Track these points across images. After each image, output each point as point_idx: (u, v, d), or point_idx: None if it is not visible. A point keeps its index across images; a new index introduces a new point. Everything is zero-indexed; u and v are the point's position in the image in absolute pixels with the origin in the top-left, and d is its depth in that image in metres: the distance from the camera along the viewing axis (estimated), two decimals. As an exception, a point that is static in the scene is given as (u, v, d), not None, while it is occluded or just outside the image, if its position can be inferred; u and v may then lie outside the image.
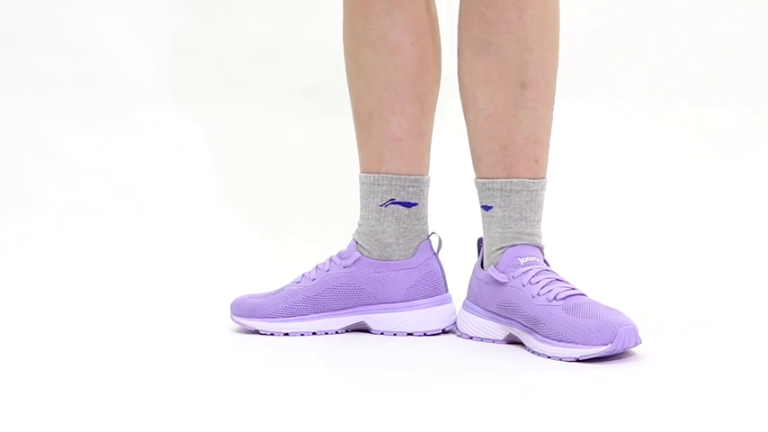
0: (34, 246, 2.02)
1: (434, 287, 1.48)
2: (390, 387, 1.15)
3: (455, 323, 1.48)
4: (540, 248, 1.43)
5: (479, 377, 1.21)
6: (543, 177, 1.44)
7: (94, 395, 1.13)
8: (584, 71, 2.24)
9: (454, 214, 2.08)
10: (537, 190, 1.42)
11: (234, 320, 1.50)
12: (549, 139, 1.46)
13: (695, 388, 1.15)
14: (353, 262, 1.48)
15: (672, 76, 2.25)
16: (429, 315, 1.46)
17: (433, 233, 1.52)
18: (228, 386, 1.17)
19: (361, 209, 1.50)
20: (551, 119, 1.47)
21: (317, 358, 1.29)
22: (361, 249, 1.49)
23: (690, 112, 2.24)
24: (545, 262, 1.42)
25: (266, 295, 1.50)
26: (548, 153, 1.45)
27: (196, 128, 2.20)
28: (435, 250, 1.50)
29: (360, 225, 1.51)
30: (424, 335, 1.46)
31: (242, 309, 1.49)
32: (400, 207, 1.48)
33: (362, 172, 1.50)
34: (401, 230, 1.48)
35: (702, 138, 2.23)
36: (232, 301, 1.53)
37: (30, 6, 2.18)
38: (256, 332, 1.48)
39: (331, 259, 1.51)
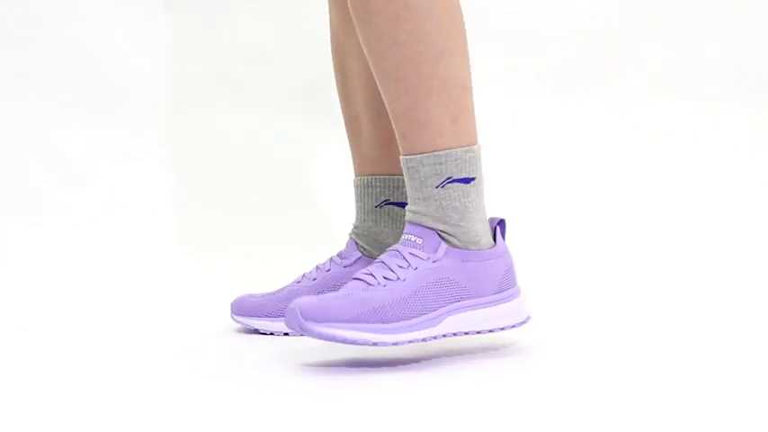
0: (34, 246, 2.02)
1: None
2: (390, 387, 1.15)
3: None
4: (423, 225, 1.27)
5: (483, 376, 1.21)
6: (414, 154, 1.27)
7: (94, 395, 1.13)
8: (584, 71, 2.24)
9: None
10: (412, 167, 1.27)
11: (234, 319, 1.50)
12: (424, 113, 1.26)
13: (694, 388, 1.15)
14: (354, 261, 1.48)
15: (672, 76, 2.25)
16: None
17: None
18: (228, 386, 1.17)
19: (357, 211, 1.51)
20: (419, 91, 1.25)
21: (317, 357, 1.28)
22: (362, 249, 1.49)
23: (689, 112, 2.24)
24: (435, 239, 1.27)
25: (266, 295, 1.50)
26: (424, 127, 1.26)
27: (196, 128, 2.20)
28: None
29: (356, 227, 1.51)
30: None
31: (242, 308, 1.49)
32: (395, 207, 1.48)
33: (356, 176, 1.52)
34: (399, 230, 1.48)
35: (702, 138, 2.23)
36: (232, 300, 1.53)
37: (30, 6, 2.18)
38: (256, 331, 1.48)
39: (331, 259, 1.51)
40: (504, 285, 1.31)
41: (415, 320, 1.22)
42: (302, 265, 1.65)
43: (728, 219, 2.12)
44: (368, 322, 1.20)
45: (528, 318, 1.34)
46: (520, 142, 2.23)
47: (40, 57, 2.17)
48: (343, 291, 1.23)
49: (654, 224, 2.12)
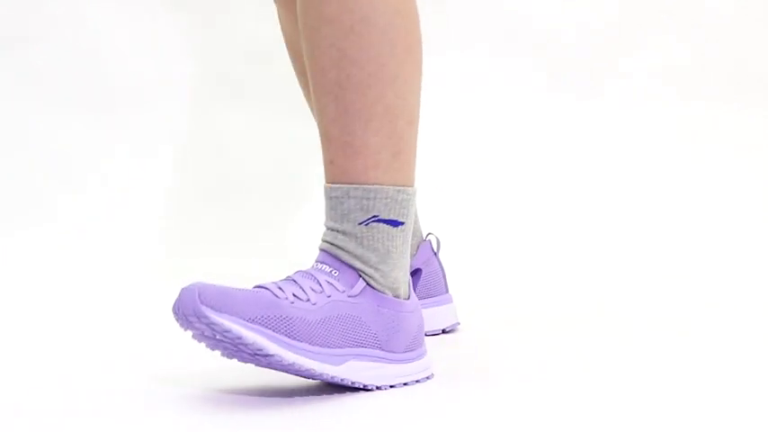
0: (34, 246, 2.02)
1: (435, 287, 1.47)
2: (391, 389, 1.15)
3: (457, 324, 1.48)
4: (339, 259, 1.13)
5: (480, 379, 1.21)
6: (341, 183, 1.13)
7: (94, 394, 1.13)
8: (584, 71, 2.24)
9: (452, 215, 2.08)
10: (336, 197, 1.13)
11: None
12: (362, 140, 1.12)
13: (694, 388, 1.15)
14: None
15: (672, 76, 2.25)
16: (431, 315, 1.45)
17: (430, 234, 1.51)
18: (228, 386, 1.17)
19: None
20: (360, 115, 1.12)
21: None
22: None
23: (689, 112, 2.24)
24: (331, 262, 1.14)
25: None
26: (358, 156, 1.12)
27: (196, 128, 2.20)
28: (435, 250, 1.50)
29: None
30: (426, 335, 1.45)
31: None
32: None
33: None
34: None
35: (702, 138, 2.23)
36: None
37: (30, 6, 2.18)
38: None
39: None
40: (414, 345, 1.15)
41: (318, 349, 1.07)
42: (302, 264, 1.65)
43: (728, 219, 2.12)
44: (272, 329, 1.04)
45: (432, 375, 1.17)
46: (520, 142, 2.23)
47: (40, 57, 2.17)
48: (251, 289, 1.08)
49: (654, 224, 2.12)
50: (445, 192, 2.15)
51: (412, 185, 1.16)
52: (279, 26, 2.24)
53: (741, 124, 2.23)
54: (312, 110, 1.42)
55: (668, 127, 2.23)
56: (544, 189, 2.19)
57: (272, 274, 1.74)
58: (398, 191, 1.13)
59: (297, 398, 1.09)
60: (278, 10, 1.50)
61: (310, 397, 1.09)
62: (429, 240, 1.50)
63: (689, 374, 1.22)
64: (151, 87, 2.20)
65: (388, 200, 1.12)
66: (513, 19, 2.25)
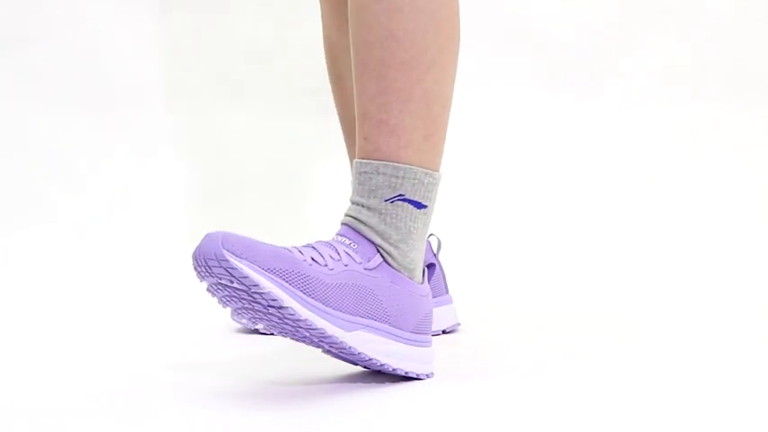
0: (34, 246, 2.02)
1: (435, 288, 1.47)
2: (391, 388, 1.15)
3: (458, 324, 1.48)
4: (360, 234, 1.16)
5: (480, 379, 1.21)
6: (372, 159, 1.16)
7: (94, 394, 1.13)
8: (584, 71, 2.24)
9: (452, 215, 2.08)
10: (366, 172, 1.16)
11: (234, 319, 1.50)
12: (397, 119, 1.15)
13: (694, 389, 1.15)
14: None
15: (672, 77, 2.25)
16: None
17: (431, 234, 1.51)
18: (227, 386, 1.17)
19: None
20: (399, 95, 1.15)
21: (315, 359, 1.28)
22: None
23: (689, 112, 2.24)
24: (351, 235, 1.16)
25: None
26: (392, 134, 1.15)
27: (196, 128, 2.20)
28: (435, 251, 1.50)
29: None
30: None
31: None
32: None
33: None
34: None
35: (702, 138, 2.23)
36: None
37: (30, 6, 2.18)
38: (256, 331, 1.48)
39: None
40: (422, 329, 1.17)
41: (331, 310, 1.07)
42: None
43: (728, 219, 2.12)
44: (289, 282, 1.05)
45: (432, 374, 1.18)
46: (520, 142, 2.23)
47: (40, 57, 2.17)
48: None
49: (654, 224, 2.12)
50: (445, 191, 2.15)
51: (438, 170, 1.19)
52: (279, 26, 2.23)
53: (741, 124, 2.23)
54: (337, 105, 1.46)
55: (668, 127, 2.23)
56: (544, 189, 2.19)
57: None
58: (426, 173, 1.16)
59: (298, 397, 1.09)
60: (322, 10, 1.51)
61: (311, 397, 1.09)
62: (429, 241, 1.51)
63: (689, 374, 1.22)
64: (151, 87, 2.20)
65: (416, 181, 1.15)
66: (513, 19, 2.25)
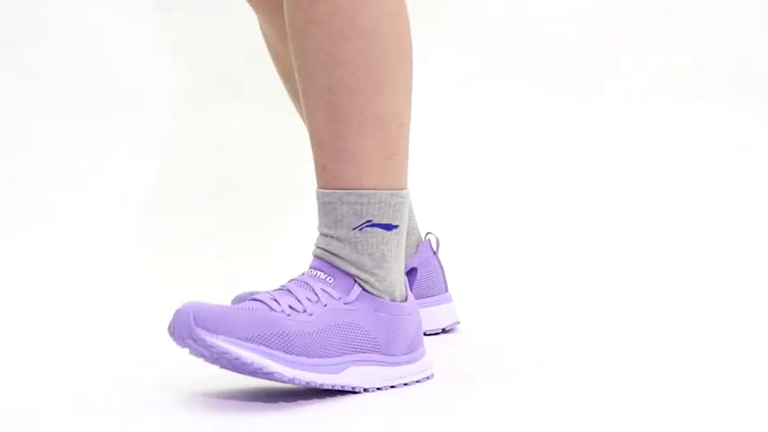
0: (34, 245, 2.02)
1: (435, 286, 1.47)
2: (390, 388, 1.15)
3: (457, 322, 1.48)
4: (333, 265, 1.14)
5: (480, 379, 1.21)
6: (333, 188, 1.12)
7: (94, 395, 1.13)
8: (584, 71, 2.24)
9: (452, 214, 2.08)
10: (329, 203, 1.13)
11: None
12: (354, 145, 1.12)
13: (694, 389, 1.15)
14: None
15: (672, 76, 2.25)
16: (430, 314, 1.45)
17: (429, 233, 1.51)
18: (227, 386, 1.17)
19: None
20: (351, 121, 1.11)
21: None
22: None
23: (689, 112, 2.24)
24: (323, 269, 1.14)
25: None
26: (351, 161, 1.12)
27: (196, 128, 2.20)
28: (435, 249, 1.50)
29: None
30: (425, 334, 1.45)
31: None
32: None
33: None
34: None
35: (702, 138, 2.23)
36: (232, 299, 1.53)
37: (30, 6, 2.18)
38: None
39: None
40: (414, 346, 1.16)
41: (317, 360, 1.07)
42: (301, 264, 1.65)
43: (728, 219, 2.12)
44: (269, 346, 1.04)
45: (432, 375, 1.18)
46: (520, 142, 2.23)
47: (40, 57, 2.17)
48: (245, 305, 1.07)
49: (653, 224, 2.12)
50: (445, 191, 2.15)
51: (405, 188, 1.15)
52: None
53: (741, 124, 2.23)
54: (301, 114, 1.41)
55: (668, 127, 2.23)
56: (544, 189, 2.19)
57: (271, 273, 1.74)
58: (392, 194, 1.12)
59: (299, 399, 1.09)
60: (262, 27, 1.47)
61: (311, 398, 1.09)
62: (428, 239, 1.51)
63: (689, 375, 1.22)
64: (151, 87, 2.20)
65: (382, 204, 1.12)
66: (513, 19, 2.25)
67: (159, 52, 2.21)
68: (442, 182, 2.16)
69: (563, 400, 1.09)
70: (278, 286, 1.12)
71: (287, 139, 2.20)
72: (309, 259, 1.64)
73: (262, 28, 1.48)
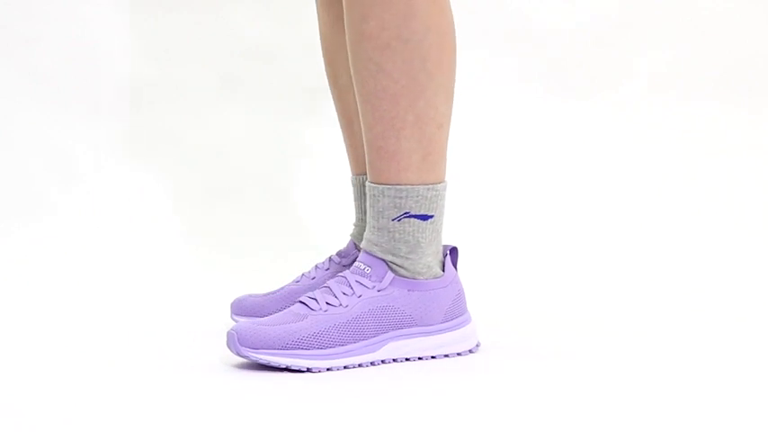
0: (34, 245, 2.02)
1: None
2: (389, 388, 1.15)
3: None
4: (373, 255, 1.29)
5: (481, 379, 1.21)
6: (377, 183, 1.29)
7: (94, 393, 1.13)
8: (584, 71, 2.24)
9: (451, 214, 2.08)
10: (374, 195, 1.29)
11: (234, 319, 1.50)
12: (395, 145, 1.27)
13: (694, 389, 1.15)
14: (353, 260, 1.48)
15: (672, 76, 2.25)
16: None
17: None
18: (227, 386, 1.17)
19: (356, 209, 1.51)
20: (393, 123, 1.26)
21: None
22: (360, 248, 1.49)
23: (689, 112, 2.24)
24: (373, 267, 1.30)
25: (266, 295, 1.50)
26: (392, 159, 1.27)
27: (196, 127, 2.20)
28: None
29: (355, 225, 1.51)
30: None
31: (242, 308, 1.50)
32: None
33: (353, 174, 1.51)
34: None
35: (702, 138, 2.23)
36: (232, 300, 1.53)
37: (30, 6, 2.18)
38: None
39: (330, 258, 1.51)
40: (451, 314, 1.31)
41: (351, 346, 1.24)
42: (301, 264, 1.65)
43: (729, 219, 2.12)
44: (306, 348, 1.22)
45: (477, 345, 1.33)
46: (519, 142, 2.23)
47: (40, 57, 2.17)
48: (282, 316, 1.25)
49: (654, 224, 2.12)
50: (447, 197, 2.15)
51: (442, 181, 1.30)
52: (279, 26, 2.23)
53: (741, 124, 2.23)
54: (337, 110, 1.54)
55: (668, 127, 2.23)
56: (544, 189, 2.19)
57: (272, 273, 1.74)
58: (428, 188, 1.27)
59: (299, 394, 1.09)
60: (317, 9, 1.54)
61: (310, 398, 1.09)
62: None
63: (689, 375, 1.22)
64: (151, 87, 2.20)
65: (419, 197, 1.27)
66: (513, 19, 2.25)
67: (159, 52, 2.21)
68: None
69: (563, 400, 1.09)
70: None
71: (287, 139, 2.20)
72: (309, 258, 1.64)
73: (317, 9, 1.55)
